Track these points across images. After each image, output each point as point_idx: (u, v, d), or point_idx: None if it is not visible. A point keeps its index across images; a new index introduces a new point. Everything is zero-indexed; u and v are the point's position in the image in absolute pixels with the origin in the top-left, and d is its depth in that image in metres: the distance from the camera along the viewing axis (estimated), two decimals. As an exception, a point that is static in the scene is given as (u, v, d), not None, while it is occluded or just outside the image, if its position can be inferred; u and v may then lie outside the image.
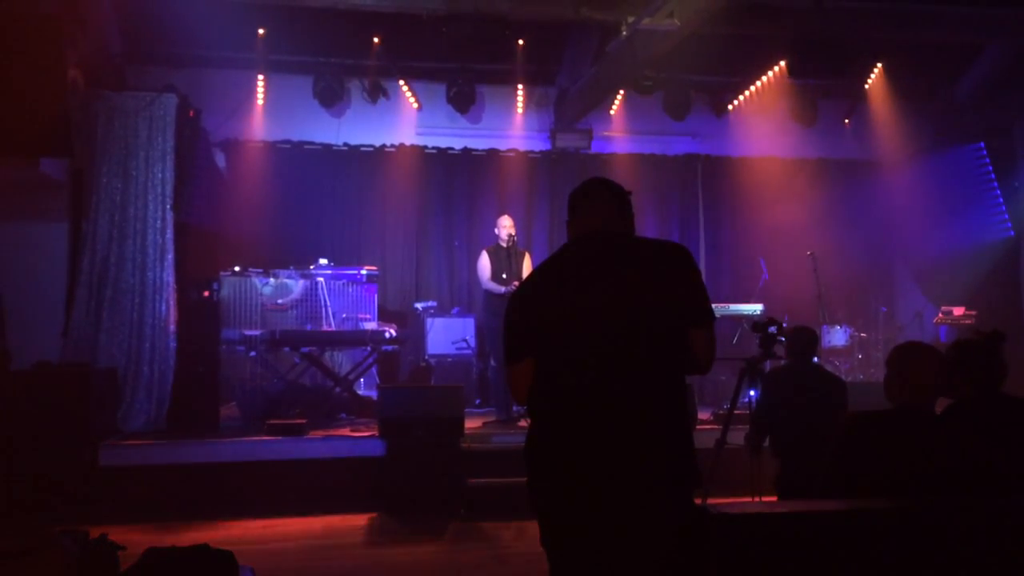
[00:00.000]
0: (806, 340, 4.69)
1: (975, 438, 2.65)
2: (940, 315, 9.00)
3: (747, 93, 9.48)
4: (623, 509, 2.26)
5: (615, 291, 2.36)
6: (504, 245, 7.24)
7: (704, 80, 9.43)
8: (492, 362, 7.44)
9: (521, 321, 2.48)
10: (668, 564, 2.25)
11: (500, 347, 7.16)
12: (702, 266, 9.71)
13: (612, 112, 9.55)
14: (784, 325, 5.10)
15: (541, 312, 2.43)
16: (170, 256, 6.90)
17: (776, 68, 8.90)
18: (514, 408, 7.24)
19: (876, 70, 9.16)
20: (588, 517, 2.28)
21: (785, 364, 4.76)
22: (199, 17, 7.33)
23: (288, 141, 9.11)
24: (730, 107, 9.73)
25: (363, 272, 7.85)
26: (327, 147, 9.20)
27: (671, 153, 9.89)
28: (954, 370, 2.90)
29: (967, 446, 2.60)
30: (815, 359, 4.81)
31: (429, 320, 8.28)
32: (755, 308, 8.40)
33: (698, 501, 2.42)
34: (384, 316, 8.19)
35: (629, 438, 2.27)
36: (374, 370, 7.89)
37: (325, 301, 7.66)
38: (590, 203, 2.55)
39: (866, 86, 9.39)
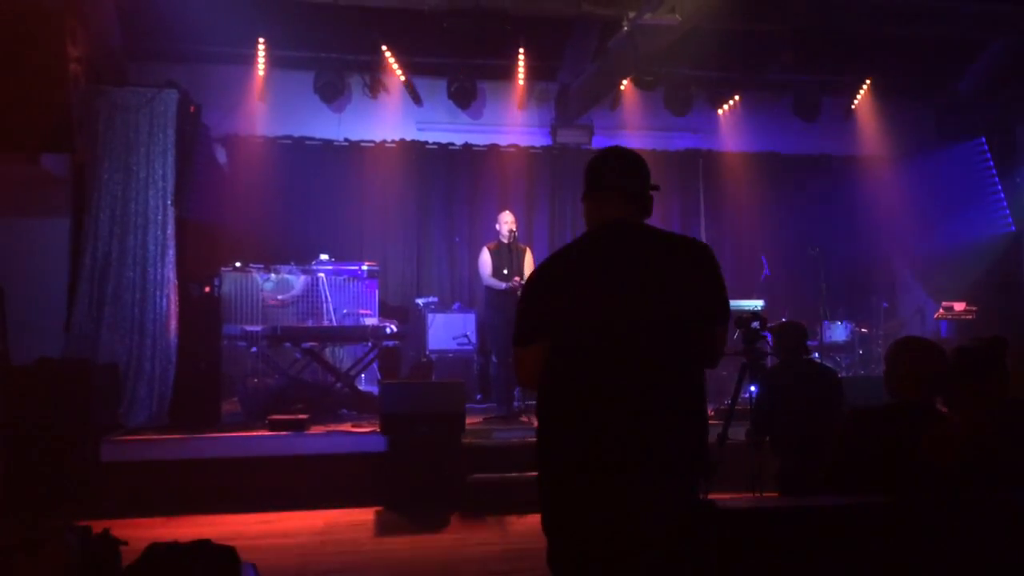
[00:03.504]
0: (795, 335, 4.70)
1: (980, 437, 2.63)
2: (941, 311, 9.00)
3: (748, 88, 9.46)
4: (630, 499, 2.27)
5: (637, 285, 2.35)
6: (505, 241, 7.24)
7: (705, 75, 9.40)
8: (493, 358, 7.44)
9: (535, 306, 2.46)
10: (669, 554, 2.26)
11: (501, 343, 7.26)
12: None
13: (613, 108, 9.53)
14: (783, 320, 5.10)
15: (558, 301, 2.41)
16: (171, 252, 6.89)
17: (778, 63, 8.88)
18: (515, 404, 7.25)
19: (877, 66, 9.14)
20: (592, 505, 2.29)
21: (781, 362, 4.77)
22: (200, 12, 7.32)
23: (289, 136, 9.10)
24: (731, 102, 9.71)
25: (364, 268, 7.85)
26: (328, 142, 9.20)
27: (672, 149, 9.88)
28: (955, 377, 2.74)
29: (972, 444, 2.59)
30: (815, 355, 4.82)
31: (430, 316, 8.29)
32: (756, 304, 8.38)
33: (700, 495, 2.43)
34: (385, 312, 8.19)
35: (643, 430, 2.28)
36: (375, 366, 7.88)
37: (326, 297, 7.66)
38: (613, 186, 2.47)
39: (868, 81, 9.37)
